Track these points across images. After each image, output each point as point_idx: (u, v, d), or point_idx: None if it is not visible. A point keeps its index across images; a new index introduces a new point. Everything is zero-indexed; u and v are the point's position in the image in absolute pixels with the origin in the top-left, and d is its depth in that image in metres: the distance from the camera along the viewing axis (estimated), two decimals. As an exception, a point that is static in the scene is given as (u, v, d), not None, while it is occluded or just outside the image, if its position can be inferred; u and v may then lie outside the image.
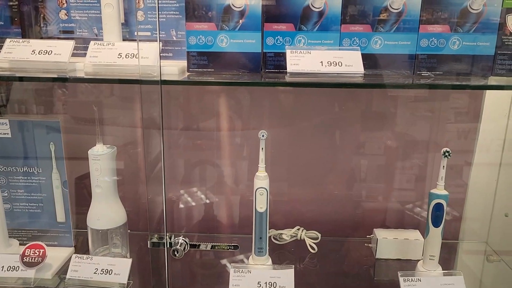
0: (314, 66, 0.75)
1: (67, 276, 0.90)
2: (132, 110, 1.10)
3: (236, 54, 0.79)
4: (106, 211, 0.93)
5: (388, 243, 1.02)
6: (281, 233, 1.08)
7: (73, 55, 0.84)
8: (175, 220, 1.17)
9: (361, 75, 0.75)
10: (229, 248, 0.79)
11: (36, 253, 0.92)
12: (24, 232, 1.02)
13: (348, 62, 0.75)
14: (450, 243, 1.14)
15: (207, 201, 1.15)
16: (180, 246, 0.77)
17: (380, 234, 1.03)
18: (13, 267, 0.91)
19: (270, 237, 1.09)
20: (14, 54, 0.81)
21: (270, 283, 0.88)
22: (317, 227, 1.10)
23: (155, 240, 0.77)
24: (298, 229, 1.08)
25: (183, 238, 0.78)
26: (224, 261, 0.99)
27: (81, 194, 1.10)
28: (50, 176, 0.99)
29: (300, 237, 1.07)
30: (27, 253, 0.92)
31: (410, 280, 0.87)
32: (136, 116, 1.10)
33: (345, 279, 0.99)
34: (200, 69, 0.80)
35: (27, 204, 1.01)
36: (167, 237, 0.76)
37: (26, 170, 0.99)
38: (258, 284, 0.88)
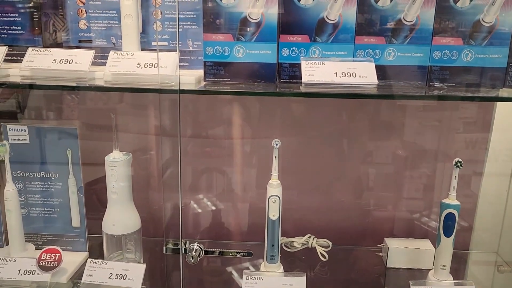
0: (329, 77, 0.76)
1: (82, 281, 0.92)
2: (145, 118, 1.12)
3: (251, 65, 0.81)
4: (121, 217, 0.94)
5: (399, 252, 1.03)
6: (292, 241, 1.08)
7: (92, 64, 0.86)
8: (186, 226, 1.18)
9: (375, 86, 0.76)
10: (243, 255, 0.80)
11: (52, 258, 0.94)
12: (40, 237, 1.04)
13: (362, 73, 0.77)
14: (461, 253, 1.14)
15: (218, 208, 1.16)
16: (195, 252, 0.78)
17: (391, 243, 1.04)
18: (29, 271, 0.93)
19: (281, 244, 1.09)
20: (36, 62, 0.83)
21: (282, 290, 0.89)
22: (327, 235, 1.10)
23: (170, 246, 0.78)
24: (309, 237, 1.09)
25: (198, 245, 0.79)
26: (236, 268, 1.00)
27: (93, 200, 1.12)
28: (66, 182, 1.00)
29: (311, 245, 1.08)
30: (43, 257, 0.93)
31: (421, 290, 0.87)
32: (147, 124, 1.12)
33: (356, 287, 1.00)
34: (216, 79, 0.82)
35: (43, 209, 1.03)
36: (182, 243, 0.77)
37: (43, 175, 1.01)
38: (270, 291, 0.89)
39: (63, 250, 1.01)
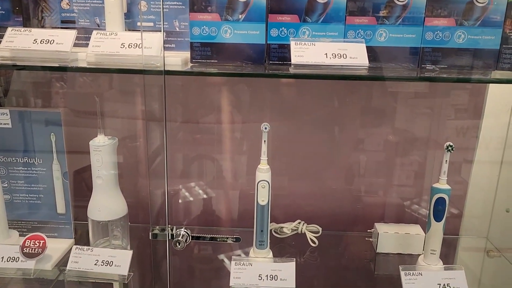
0: (319, 58, 0.74)
1: (68, 268, 0.90)
2: (132, 103, 1.10)
3: (239, 45, 0.79)
4: (107, 203, 0.92)
5: (389, 237, 1.02)
6: (282, 227, 1.07)
7: (75, 45, 0.83)
8: (175, 213, 1.17)
9: (365, 67, 0.74)
10: (232, 240, 0.78)
11: (37, 244, 0.92)
12: (24, 223, 1.02)
13: (352, 54, 0.75)
14: (451, 239, 1.14)
15: (207, 194, 1.15)
16: (182, 237, 0.76)
17: (381, 228, 1.03)
18: (13, 258, 0.91)
19: (270, 230, 1.08)
20: (16, 43, 0.80)
21: (271, 276, 0.88)
22: (317, 221, 1.10)
23: (156, 231, 0.77)
24: (299, 223, 1.08)
25: (185, 230, 0.77)
26: (224, 254, 0.99)
27: (80, 186, 1.09)
28: (50, 167, 0.98)
29: (301, 231, 1.07)
30: (28, 244, 0.91)
31: (411, 274, 0.87)
32: (136, 109, 1.10)
33: (346, 273, 0.99)
34: (203, 60, 0.80)
35: (27, 195, 1.00)
36: (169, 228, 0.76)
37: (26, 160, 0.98)
38: (259, 276, 0.88)
39: (48, 237, 1.00)
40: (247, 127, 1.09)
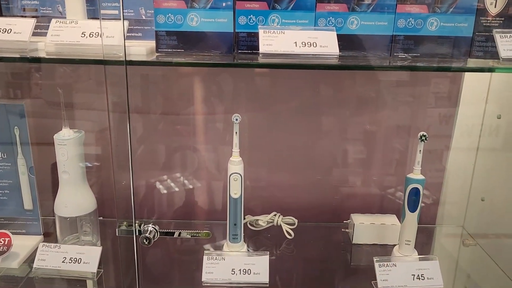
0: (288, 46, 0.72)
1: (34, 265, 0.87)
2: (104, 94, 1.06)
3: (207, 34, 0.76)
4: (74, 198, 0.89)
5: (365, 228, 1.01)
6: (257, 219, 1.06)
7: (37, 34, 0.79)
8: (150, 206, 1.14)
9: (336, 56, 0.72)
10: (201, 235, 0.76)
11: (1, 242, 0.89)
12: (-9, 220, 0.99)
13: (323, 42, 0.73)
14: (428, 228, 1.14)
15: (183, 187, 1.12)
16: (149, 233, 0.74)
17: (357, 219, 1.02)
18: (-23, 257, 0.88)
19: (246, 223, 1.07)
20: (-30, 32, 0.76)
21: (244, 270, 0.86)
22: (295, 213, 1.08)
23: (124, 227, 0.74)
24: (275, 215, 1.06)
25: (153, 226, 0.75)
26: (198, 249, 0.97)
27: (51, 181, 1.06)
28: (15, 162, 0.94)
29: (277, 223, 1.05)
30: (-9, 242, 0.88)
31: (385, 266, 0.86)
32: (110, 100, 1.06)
33: (321, 264, 0.98)
34: (169, 50, 0.77)
35: (-7, 192, 0.97)
36: (136, 224, 0.73)
37: (-11, 155, 0.94)
38: (232, 271, 0.86)
39: (16, 234, 0.97)
40: (221, 118, 1.07)
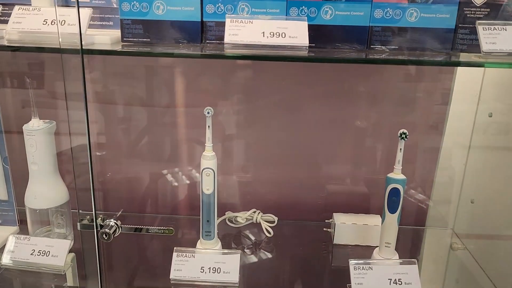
0: (255, 37, 0.68)
1: (3, 257, 0.86)
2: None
3: (173, 23, 0.73)
4: (43, 190, 0.88)
5: (347, 228, 0.97)
6: (236, 216, 1.03)
7: (4, 22, 0.77)
8: (124, 200, 1.12)
9: (305, 47, 0.68)
10: (163, 232, 0.74)
11: (-29, 232, 0.87)
12: (-36, 211, 0.98)
13: (292, 33, 0.69)
14: (417, 229, 1.09)
15: (157, 180, 1.10)
16: (109, 229, 0.72)
17: (339, 218, 0.99)
18: None
19: (225, 220, 1.04)
20: None
21: (214, 269, 0.84)
22: (276, 210, 1.05)
23: (86, 222, 0.72)
24: (254, 212, 1.03)
25: (115, 221, 0.73)
26: (170, 245, 0.94)
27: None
28: (-11, 152, 0.93)
29: (256, 220, 1.02)
30: (-39, 232, 0.87)
31: (361, 268, 0.82)
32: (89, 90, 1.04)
33: (299, 265, 0.95)
34: (135, 39, 0.74)
35: (-33, 181, 0.96)
36: (98, 219, 0.71)
37: (-37, 145, 0.93)
38: (201, 269, 0.84)
39: (-10, 224, 0.96)
40: (197, 111, 1.04)
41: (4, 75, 1.02)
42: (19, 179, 0.95)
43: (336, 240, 0.98)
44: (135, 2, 0.72)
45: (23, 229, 0.97)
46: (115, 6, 0.82)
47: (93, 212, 0.68)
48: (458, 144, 1.02)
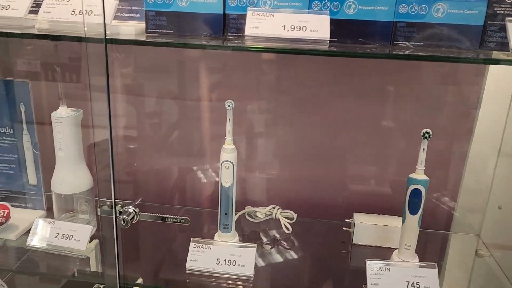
0: (275, 30, 0.68)
1: (28, 239, 0.89)
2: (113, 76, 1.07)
3: (196, 15, 0.74)
4: (69, 176, 0.91)
5: (366, 228, 0.96)
6: (256, 211, 1.03)
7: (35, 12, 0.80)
8: (147, 190, 1.14)
9: (326, 41, 0.67)
10: (179, 221, 0.75)
11: (1, 214, 0.91)
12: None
13: (313, 27, 0.68)
14: (442, 234, 1.06)
15: (184, 173, 1.12)
16: (128, 215, 0.73)
17: (359, 218, 0.97)
18: (-22, 226, 0.91)
19: (244, 214, 1.04)
20: (-27, 8, 0.78)
21: (229, 261, 0.84)
22: (296, 207, 1.04)
23: (105, 208, 0.74)
24: (273, 208, 1.03)
25: (133, 208, 0.74)
26: (188, 236, 0.95)
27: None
28: (21, 138, 0.97)
29: (275, 216, 1.02)
30: (-8, 213, 0.91)
31: (378, 269, 0.81)
32: (115, 82, 1.07)
33: (315, 262, 0.94)
34: (158, 30, 0.75)
35: (0, 165, 1.00)
36: (118, 206, 0.73)
37: (-3, 130, 0.98)
38: (217, 261, 0.84)
39: (20, 208, 1.00)
40: (219, 105, 1.04)
41: (37, 64, 1.06)
42: (47, 166, 0.99)
43: (356, 240, 0.96)
44: (158, -6, 0.73)
45: (50, 214, 1.01)
46: (137, -2, 0.84)
47: (113, 198, 0.70)
48: (487, 148, 0.98)
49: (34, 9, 0.78)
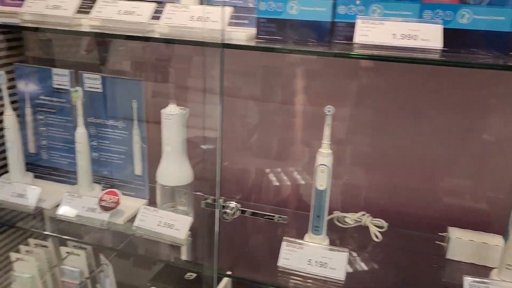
0: (385, 38, 0.69)
1: (134, 223, 0.98)
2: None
3: (305, 22, 0.76)
4: (173, 169, 0.98)
5: (463, 244, 0.92)
6: (345, 216, 1.03)
7: (155, 18, 0.88)
8: (237, 189, 1.18)
9: (438, 51, 0.67)
10: (278, 219, 0.78)
11: (111, 199, 1.01)
12: (107, 180, 1.13)
13: (425, 36, 0.68)
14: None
15: (272, 174, 1.15)
16: (230, 209, 0.78)
17: (455, 233, 0.94)
18: (92, 209, 1.01)
19: (333, 219, 1.05)
20: (103, 13, 0.88)
21: (321, 263, 0.86)
22: (386, 216, 1.03)
23: (209, 201, 0.79)
24: (363, 215, 1.03)
25: (236, 203, 0.79)
26: (281, 234, 0.98)
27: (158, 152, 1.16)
28: (131, 132, 1.06)
29: (365, 223, 1.02)
30: (104, 198, 1.01)
31: (476, 287, 0.78)
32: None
33: (406, 274, 0.92)
34: (268, 37, 0.79)
35: (111, 155, 1.10)
36: (220, 200, 0.78)
37: (111, 123, 1.08)
38: (308, 261, 0.86)
39: (125, 195, 1.09)
40: (317, 111, 1.06)
41: (147, 65, 1.15)
42: (151, 159, 1.07)
43: (450, 255, 0.94)
44: (271, 2, 0.77)
45: (150, 203, 1.09)
46: (250, 6, 0.88)
47: (217, 193, 0.75)
48: None
49: (156, 15, 0.85)
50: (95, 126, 1.09)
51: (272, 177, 1.16)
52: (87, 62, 1.21)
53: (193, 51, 1.08)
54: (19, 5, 0.98)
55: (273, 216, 0.78)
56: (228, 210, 0.77)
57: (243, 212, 0.80)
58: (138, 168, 1.09)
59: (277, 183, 1.16)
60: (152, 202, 1.09)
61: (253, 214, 0.80)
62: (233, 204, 0.79)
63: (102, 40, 1.18)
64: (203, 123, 1.12)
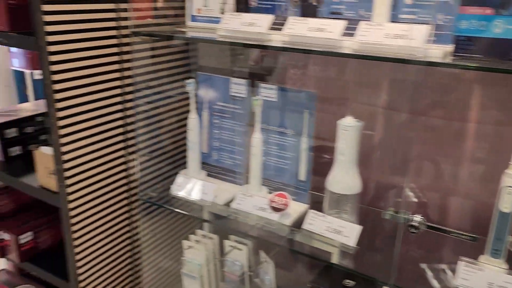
0: None
1: (302, 227, 1.03)
2: (377, 90, 1.15)
3: (508, 41, 0.75)
4: (344, 178, 1.01)
5: None
6: (521, 242, 0.98)
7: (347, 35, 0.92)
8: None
9: None
10: (466, 237, 0.77)
11: (282, 201, 1.08)
12: (272, 183, 1.20)
13: None
14: None
15: (445, 194, 1.12)
16: (418, 224, 0.79)
17: None
18: (262, 208, 1.09)
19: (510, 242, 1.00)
20: (295, 30, 0.95)
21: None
22: None
23: (391, 212, 0.82)
24: (545, 242, 0.96)
25: (422, 217, 0.80)
26: (452, 253, 0.96)
27: (323, 161, 1.20)
28: (299, 140, 1.13)
29: (544, 251, 0.95)
30: (274, 199, 1.08)
31: None
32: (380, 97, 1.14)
33: None
34: (465, 54, 0.79)
35: (278, 160, 1.18)
36: (404, 213, 0.80)
37: (281, 131, 1.15)
38: (488, 284, 0.84)
39: (288, 198, 1.16)
40: (495, 130, 1.02)
41: (323, 79, 1.20)
42: (315, 166, 1.12)
43: None
44: (474, 20, 0.77)
45: (311, 208, 1.14)
46: (440, 23, 0.89)
47: (402, 205, 0.77)
48: None
49: (348, 32, 0.90)
50: (266, 132, 1.17)
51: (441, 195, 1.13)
52: (256, 72, 1.31)
53: (367, 66, 1.11)
54: (210, 21, 1.11)
55: (463, 234, 0.77)
56: (415, 224, 0.78)
57: (429, 227, 0.80)
58: (302, 174, 1.15)
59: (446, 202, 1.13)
60: (312, 208, 1.14)
61: (440, 230, 0.80)
62: (419, 218, 0.80)
63: (272, 53, 1.26)
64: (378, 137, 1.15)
